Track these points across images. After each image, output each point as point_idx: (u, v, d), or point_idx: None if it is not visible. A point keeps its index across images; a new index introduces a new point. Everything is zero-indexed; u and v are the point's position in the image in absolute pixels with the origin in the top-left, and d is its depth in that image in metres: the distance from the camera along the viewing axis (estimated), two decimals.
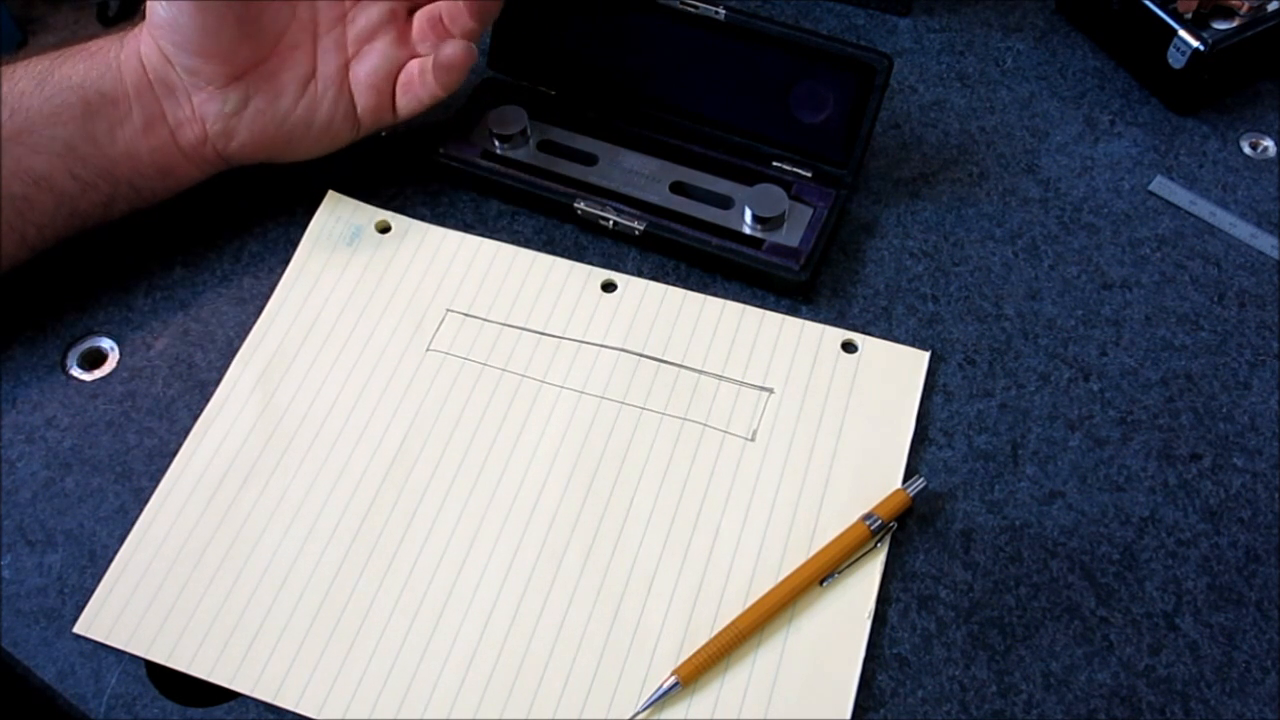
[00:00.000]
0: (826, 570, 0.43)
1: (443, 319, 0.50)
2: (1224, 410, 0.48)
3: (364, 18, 0.50)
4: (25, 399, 0.48)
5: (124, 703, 0.41)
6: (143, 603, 0.42)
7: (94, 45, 0.48)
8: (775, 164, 0.54)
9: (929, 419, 0.48)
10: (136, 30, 0.48)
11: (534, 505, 0.45)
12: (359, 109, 0.50)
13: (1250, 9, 0.56)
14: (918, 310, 0.51)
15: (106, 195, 0.48)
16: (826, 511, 0.45)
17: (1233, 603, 0.43)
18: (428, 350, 0.49)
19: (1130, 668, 0.42)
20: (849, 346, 0.49)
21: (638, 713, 0.40)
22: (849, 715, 0.40)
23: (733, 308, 0.50)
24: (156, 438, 0.47)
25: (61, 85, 0.46)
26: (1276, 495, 0.46)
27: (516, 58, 0.57)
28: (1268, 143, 0.57)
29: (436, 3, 0.51)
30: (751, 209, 0.51)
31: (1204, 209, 0.55)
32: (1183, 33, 0.55)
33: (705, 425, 0.47)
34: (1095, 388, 0.49)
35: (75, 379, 0.49)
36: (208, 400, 0.47)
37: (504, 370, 0.48)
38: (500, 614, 0.42)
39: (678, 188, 0.54)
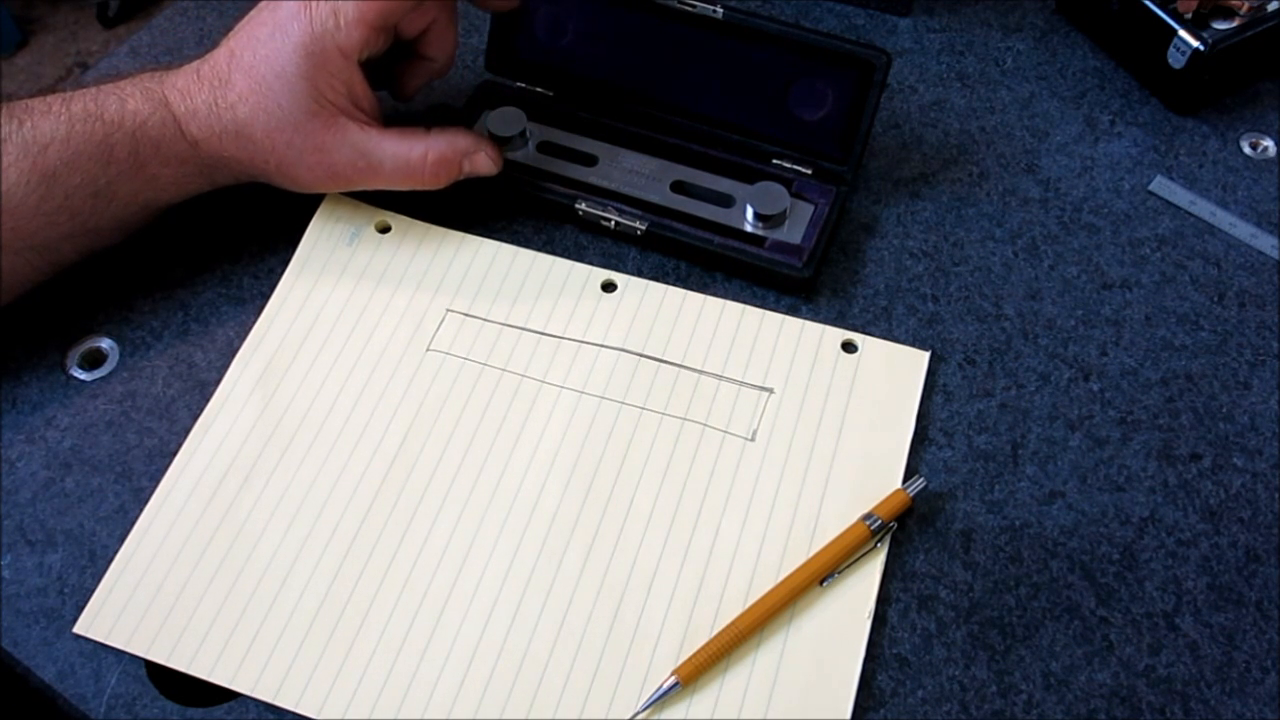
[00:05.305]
0: (826, 570, 0.43)
1: (443, 319, 0.50)
2: (1224, 410, 0.48)
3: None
4: (25, 399, 0.48)
5: (124, 703, 0.41)
6: (143, 603, 0.42)
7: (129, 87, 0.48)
8: (775, 162, 0.54)
9: (929, 419, 0.48)
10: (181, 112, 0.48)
11: (534, 505, 0.45)
12: None
13: (1250, 9, 0.56)
14: (918, 310, 0.51)
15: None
16: (826, 511, 0.45)
17: (1233, 603, 0.43)
18: (428, 350, 0.49)
19: (1130, 668, 0.42)
20: (849, 346, 0.49)
21: (638, 713, 0.40)
22: (849, 715, 0.40)
23: (733, 308, 0.50)
24: (156, 438, 0.47)
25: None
26: (1276, 495, 0.46)
27: (513, 60, 0.57)
28: (1268, 143, 0.57)
29: None
30: (753, 207, 0.51)
31: (1204, 209, 0.55)
32: (1183, 33, 0.55)
33: (705, 425, 0.47)
34: (1095, 388, 0.49)
35: (75, 379, 0.49)
36: (208, 400, 0.47)
37: (504, 370, 0.48)
38: (500, 614, 0.42)
39: (678, 187, 0.54)
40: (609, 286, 0.51)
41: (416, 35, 0.51)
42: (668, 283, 0.51)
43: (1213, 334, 0.51)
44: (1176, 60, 0.56)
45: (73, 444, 0.47)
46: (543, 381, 0.48)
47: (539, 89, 0.57)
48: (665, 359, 0.49)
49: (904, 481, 0.45)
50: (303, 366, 0.48)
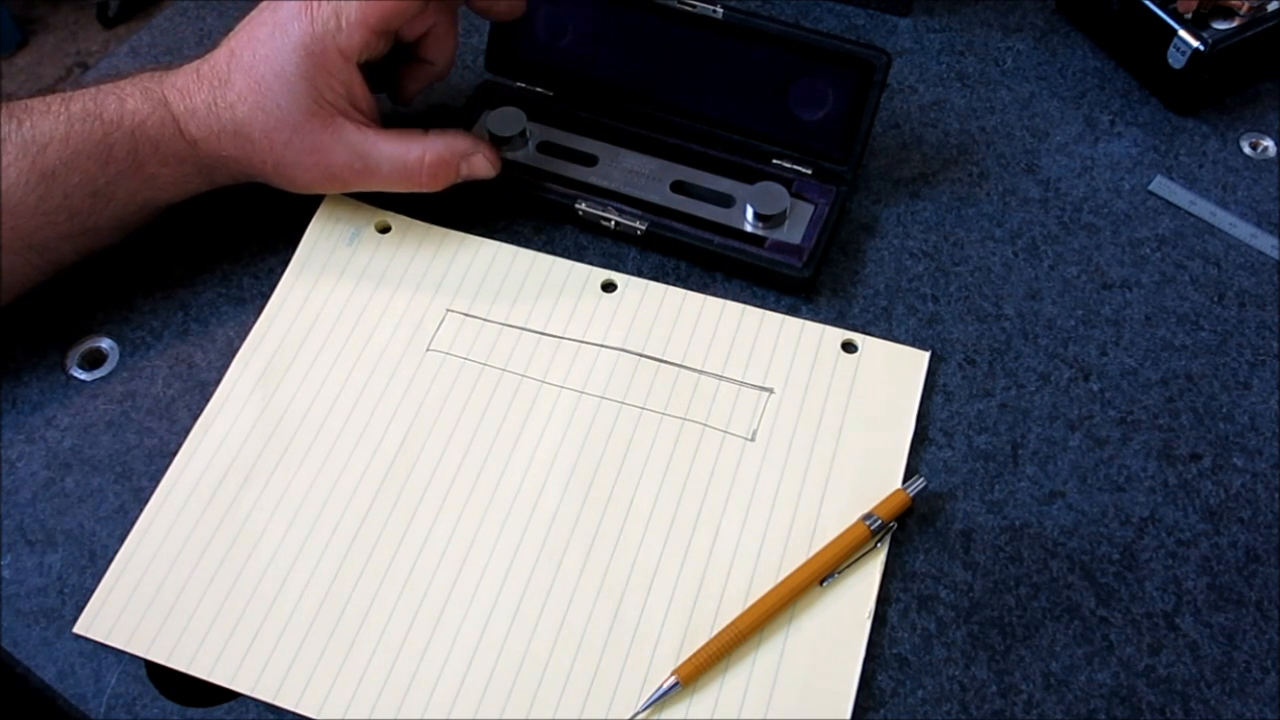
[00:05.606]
0: (826, 570, 0.43)
1: (443, 319, 0.50)
2: (1224, 410, 0.48)
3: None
4: (25, 399, 0.48)
5: (124, 703, 0.41)
6: (143, 603, 0.42)
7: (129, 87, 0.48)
8: (775, 162, 0.54)
9: (929, 419, 0.48)
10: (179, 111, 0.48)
11: (534, 505, 0.45)
12: None
13: (1250, 9, 0.56)
14: (918, 310, 0.51)
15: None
16: (826, 511, 0.45)
17: (1233, 603, 0.43)
18: (428, 350, 0.49)
19: (1130, 668, 0.42)
20: (849, 346, 0.49)
21: (638, 713, 0.40)
22: (849, 715, 0.40)
23: (733, 308, 0.50)
24: (156, 438, 0.47)
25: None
26: (1276, 495, 0.46)
27: (514, 60, 0.57)
28: (1268, 143, 0.57)
29: None
30: (753, 207, 0.51)
31: (1204, 209, 0.55)
32: (1183, 33, 0.55)
33: (705, 425, 0.47)
34: (1095, 388, 0.49)
35: (75, 379, 0.49)
36: (208, 400, 0.48)
37: (504, 370, 0.48)
38: (500, 614, 0.42)
39: (678, 187, 0.54)
40: (609, 286, 0.51)
41: (416, 38, 0.51)
42: (668, 283, 0.51)
43: (1213, 334, 0.51)
44: (1176, 60, 0.56)
45: (73, 444, 0.47)
46: (543, 381, 0.48)
47: (539, 89, 0.57)
48: (665, 359, 0.49)
49: (904, 481, 0.45)
50: (303, 366, 0.48)
